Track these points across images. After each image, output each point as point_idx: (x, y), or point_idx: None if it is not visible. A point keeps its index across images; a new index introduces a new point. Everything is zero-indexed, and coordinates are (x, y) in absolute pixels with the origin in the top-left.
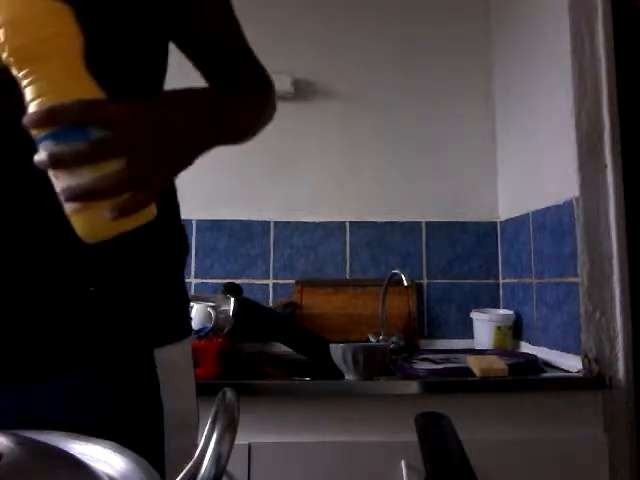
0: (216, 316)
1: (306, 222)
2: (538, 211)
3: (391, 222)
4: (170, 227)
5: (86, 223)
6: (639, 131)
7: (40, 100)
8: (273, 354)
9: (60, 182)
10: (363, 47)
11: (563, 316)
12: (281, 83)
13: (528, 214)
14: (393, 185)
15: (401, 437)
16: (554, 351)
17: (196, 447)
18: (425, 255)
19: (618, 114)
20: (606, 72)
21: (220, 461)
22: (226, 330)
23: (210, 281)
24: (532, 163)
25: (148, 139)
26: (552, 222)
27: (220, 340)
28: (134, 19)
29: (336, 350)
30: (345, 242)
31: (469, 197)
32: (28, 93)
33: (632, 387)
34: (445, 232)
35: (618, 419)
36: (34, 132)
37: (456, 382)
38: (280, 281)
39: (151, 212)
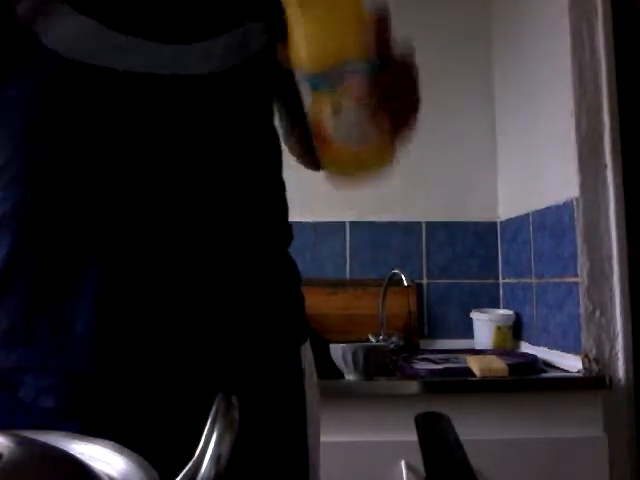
0: None
1: (306, 222)
2: (538, 211)
3: (391, 222)
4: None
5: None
6: (639, 131)
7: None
8: None
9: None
10: None
11: (563, 316)
12: None
13: (528, 214)
14: (393, 185)
15: (401, 437)
16: (554, 351)
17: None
18: (425, 255)
19: (618, 114)
20: (606, 72)
21: (220, 461)
22: None
23: None
24: (532, 163)
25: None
26: (552, 222)
27: None
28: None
29: (336, 350)
30: (345, 242)
31: (469, 197)
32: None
33: (632, 387)
34: (445, 232)
35: (618, 419)
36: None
37: (456, 382)
38: None
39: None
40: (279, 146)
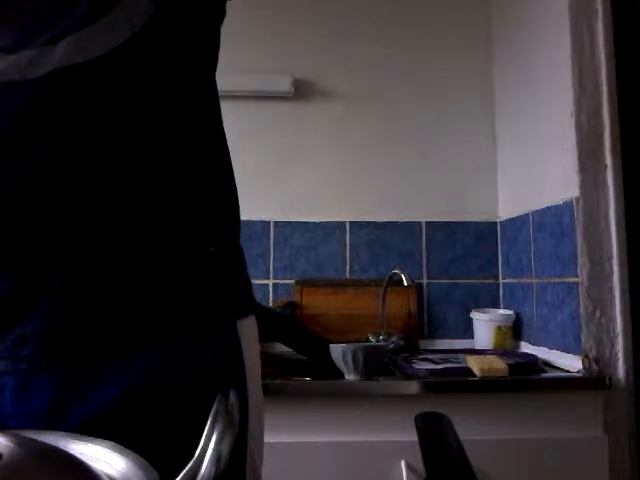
0: None
1: (306, 222)
2: (538, 211)
3: (391, 222)
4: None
5: None
6: (639, 131)
7: None
8: (273, 354)
9: None
10: (363, 47)
11: (563, 316)
12: (281, 83)
13: (528, 214)
14: (393, 185)
15: (401, 437)
16: (554, 351)
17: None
18: (425, 255)
19: (618, 114)
20: (606, 72)
21: (220, 461)
22: None
23: None
24: (532, 163)
25: None
26: (552, 222)
27: None
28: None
29: (336, 350)
30: (345, 242)
31: (469, 197)
32: None
33: (632, 387)
34: (445, 232)
35: (618, 419)
36: None
37: (456, 382)
38: (280, 281)
39: None
40: (215, 123)
